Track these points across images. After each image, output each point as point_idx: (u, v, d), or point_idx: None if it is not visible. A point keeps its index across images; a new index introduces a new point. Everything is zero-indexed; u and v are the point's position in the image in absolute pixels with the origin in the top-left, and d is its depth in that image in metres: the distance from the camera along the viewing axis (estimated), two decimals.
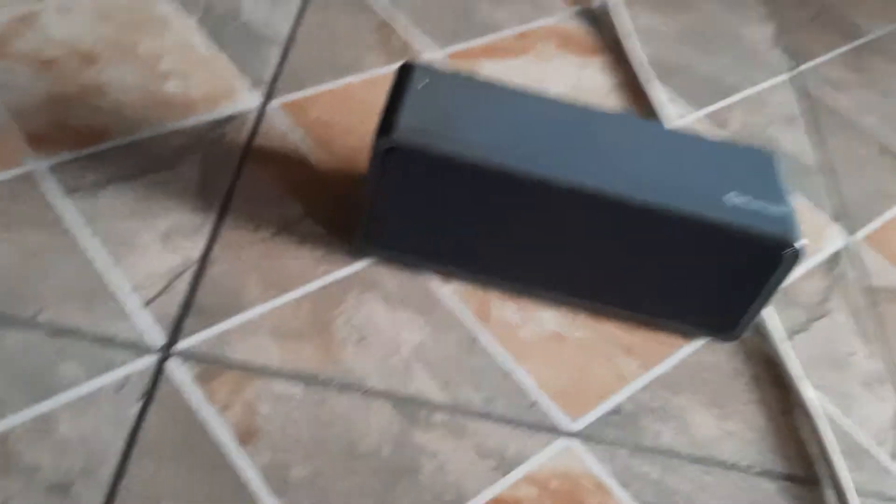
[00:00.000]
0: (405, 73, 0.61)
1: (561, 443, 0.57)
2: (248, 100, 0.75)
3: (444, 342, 0.60)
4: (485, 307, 0.64)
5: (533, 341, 0.62)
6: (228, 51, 0.79)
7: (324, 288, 0.62)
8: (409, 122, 0.57)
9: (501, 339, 0.62)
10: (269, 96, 0.75)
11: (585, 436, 0.57)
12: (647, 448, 0.58)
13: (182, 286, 0.59)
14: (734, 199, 0.58)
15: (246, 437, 0.52)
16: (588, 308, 0.65)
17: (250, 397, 0.54)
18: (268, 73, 0.78)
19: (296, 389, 0.55)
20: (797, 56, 1.03)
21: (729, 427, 0.60)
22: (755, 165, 0.62)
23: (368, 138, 0.72)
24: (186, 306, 0.58)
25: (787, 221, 0.57)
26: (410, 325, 0.61)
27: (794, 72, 1.00)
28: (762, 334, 0.67)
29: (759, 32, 1.05)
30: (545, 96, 0.64)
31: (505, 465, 0.55)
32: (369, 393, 0.56)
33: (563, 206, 0.58)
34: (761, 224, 0.57)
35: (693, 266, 0.59)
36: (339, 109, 0.76)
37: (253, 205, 0.66)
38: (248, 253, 0.63)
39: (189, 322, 0.57)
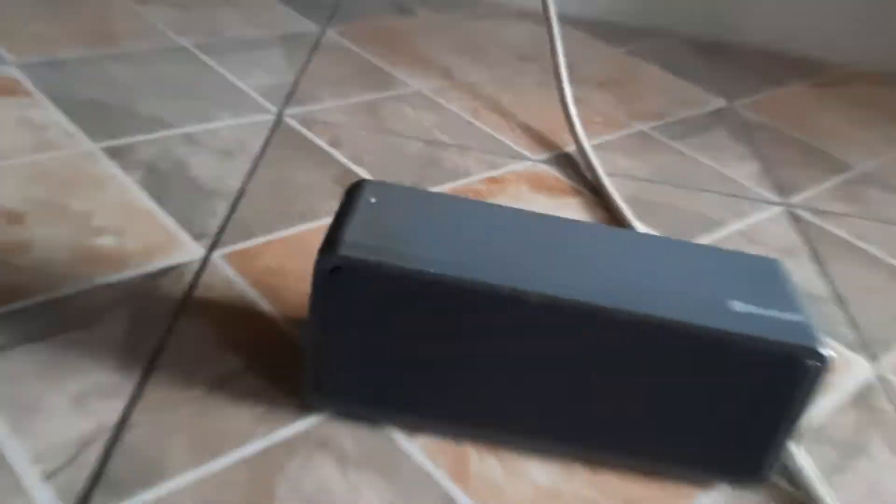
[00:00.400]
0: (354, 191, 0.54)
1: None
2: (188, 252, 0.67)
3: None
4: (461, 464, 0.53)
5: (521, 498, 0.51)
6: (170, 206, 0.73)
7: (265, 451, 0.51)
8: (355, 239, 0.49)
9: (484, 502, 0.51)
10: (212, 247, 0.68)
11: None
12: None
13: (92, 455, 0.49)
14: (742, 307, 0.50)
15: None
16: (582, 458, 0.55)
17: None
18: (213, 225, 0.71)
19: None
20: (786, 190, 0.98)
21: None
22: (759, 273, 0.54)
23: None
24: (95, 479, 0.47)
25: (807, 329, 0.49)
26: (371, 490, 0.50)
27: (786, 204, 0.95)
28: (793, 477, 0.56)
29: (742, 170, 1.00)
30: (511, 208, 0.56)
31: None
32: None
33: (542, 325, 0.49)
34: (779, 332, 0.48)
35: (703, 392, 0.50)
36: (290, 257, 0.69)
37: (186, 361, 0.57)
38: (175, 415, 0.53)
39: (98, 498, 0.46)
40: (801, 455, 0.58)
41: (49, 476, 0.47)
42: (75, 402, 0.52)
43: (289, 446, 0.52)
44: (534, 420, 0.53)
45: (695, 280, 0.53)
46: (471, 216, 0.55)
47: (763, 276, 0.54)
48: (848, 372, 0.69)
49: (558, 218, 0.56)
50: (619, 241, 0.55)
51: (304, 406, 0.55)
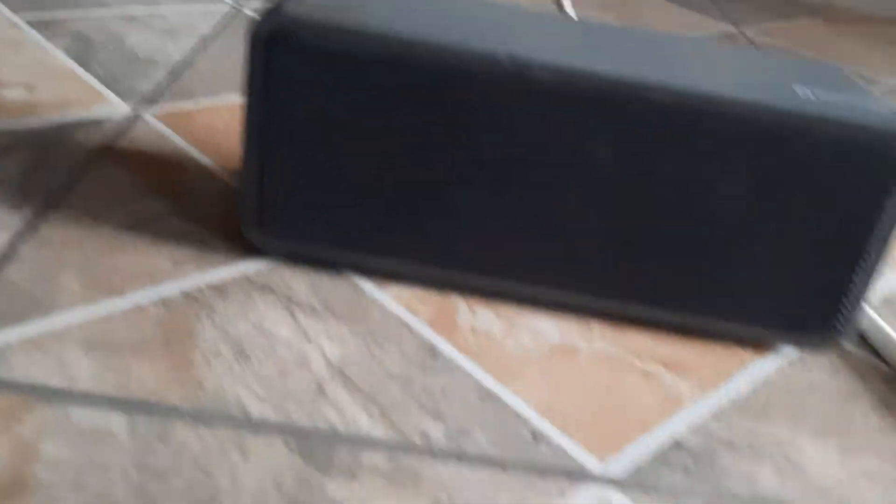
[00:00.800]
0: None
1: (590, 494, 0.33)
2: (113, 108, 0.55)
3: (381, 355, 0.37)
4: (446, 314, 0.41)
5: (525, 355, 0.39)
6: (97, 69, 0.61)
7: (187, 292, 0.39)
8: (301, 7, 0.38)
9: (476, 353, 0.39)
10: (143, 106, 0.56)
11: (628, 483, 0.34)
12: (737, 498, 0.34)
13: None
14: (815, 93, 0.38)
15: (10, 491, 0.29)
16: (601, 312, 0.43)
17: (28, 431, 0.31)
18: (146, 88, 0.59)
19: (115, 420, 0.32)
20: None
21: (863, 465, 0.37)
22: (827, 72, 0.43)
23: None
24: None
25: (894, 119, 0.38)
26: (328, 334, 0.38)
27: None
28: (871, 340, 0.45)
29: None
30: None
31: None
32: (248, 425, 0.33)
33: (553, 114, 0.37)
34: (864, 118, 0.36)
35: (762, 212, 0.38)
36: (233, 119, 0.58)
37: (96, 203, 0.44)
38: (75, 251, 0.40)
39: None
40: (875, 311, 0.47)
41: None
42: None
43: (220, 290, 0.40)
44: (540, 262, 0.41)
45: (753, 71, 0.41)
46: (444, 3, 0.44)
47: (831, 74, 0.43)
48: None
49: (557, 14, 0.45)
50: (663, 41, 0.44)
51: (245, 249, 0.43)
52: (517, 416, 0.35)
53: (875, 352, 0.45)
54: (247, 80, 0.38)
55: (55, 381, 0.33)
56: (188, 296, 0.39)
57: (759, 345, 0.43)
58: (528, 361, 0.38)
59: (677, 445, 0.35)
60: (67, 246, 0.41)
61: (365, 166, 0.39)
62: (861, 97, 0.39)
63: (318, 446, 0.32)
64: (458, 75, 0.36)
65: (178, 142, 0.52)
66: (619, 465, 0.34)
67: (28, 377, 0.33)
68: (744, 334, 0.42)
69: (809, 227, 0.38)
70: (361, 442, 0.33)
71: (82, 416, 0.31)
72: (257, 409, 0.33)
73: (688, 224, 0.39)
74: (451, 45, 0.36)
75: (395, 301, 0.41)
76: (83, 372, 0.33)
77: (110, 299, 0.38)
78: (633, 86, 0.36)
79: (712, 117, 0.36)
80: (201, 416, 0.32)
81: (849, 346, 0.45)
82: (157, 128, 0.53)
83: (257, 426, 0.32)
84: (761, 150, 0.37)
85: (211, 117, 0.56)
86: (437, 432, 0.34)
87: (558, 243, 0.40)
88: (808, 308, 0.41)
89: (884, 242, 0.39)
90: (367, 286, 0.42)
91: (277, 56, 0.37)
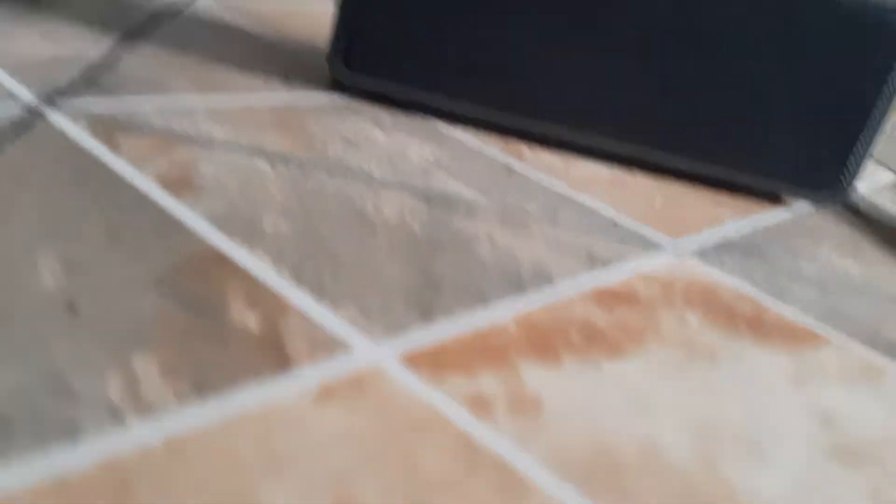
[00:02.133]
0: None
1: (668, 257, 0.37)
2: None
3: (466, 166, 0.41)
4: (513, 148, 0.45)
5: (587, 178, 0.44)
6: None
7: (288, 104, 0.43)
8: None
9: (546, 172, 0.43)
10: None
11: (701, 254, 0.39)
12: (790, 273, 0.40)
13: (75, 69, 0.39)
14: None
15: (178, 187, 0.31)
16: (644, 158, 0.47)
17: (184, 157, 0.33)
18: None
19: (258, 162, 0.35)
20: None
21: (878, 270, 0.43)
22: None
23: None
24: (86, 82, 0.38)
25: None
26: (418, 148, 0.42)
27: None
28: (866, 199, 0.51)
29: None
30: None
31: (599, 262, 0.35)
32: (374, 182, 0.36)
33: None
34: None
35: (783, 74, 0.45)
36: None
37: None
38: (175, 64, 0.44)
39: (86, 94, 0.37)
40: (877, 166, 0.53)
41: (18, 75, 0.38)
42: (45, 35, 0.43)
43: (315, 107, 0.43)
44: (592, 109, 0.46)
45: None
46: None
47: None
48: None
49: None
50: None
51: (334, 84, 0.47)
52: (594, 211, 0.40)
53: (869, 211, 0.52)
54: None
55: (194, 134, 0.36)
56: (290, 106, 0.42)
57: (776, 199, 0.49)
58: (591, 182, 0.43)
59: (730, 242, 0.41)
60: (168, 62, 0.44)
61: (446, 13, 0.44)
62: None
63: (436, 199, 0.36)
64: None
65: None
66: (687, 244, 0.39)
67: (167, 126, 0.36)
68: (764, 187, 0.48)
69: (825, 90, 0.45)
70: (473, 203, 0.37)
71: (228, 155, 0.34)
72: (378, 174, 0.37)
73: (723, 81, 0.45)
74: None
75: (466, 134, 0.45)
76: (217, 133, 0.36)
77: (218, 94, 0.41)
78: None
79: None
80: (334, 171, 0.36)
81: (853, 201, 0.52)
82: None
83: (382, 184, 0.36)
84: (789, 16, 0.43)
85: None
86: (532, 209, 0.38)
87: (610, 91, 0.45)
88: (820, 165, 0.47)
89: (886, 108, 0.46)
90: (440, 124, 0.46)
91: None
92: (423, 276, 0.29)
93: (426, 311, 0.27)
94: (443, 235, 0.33)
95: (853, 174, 0.47)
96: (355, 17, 0.44)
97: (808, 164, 0.47)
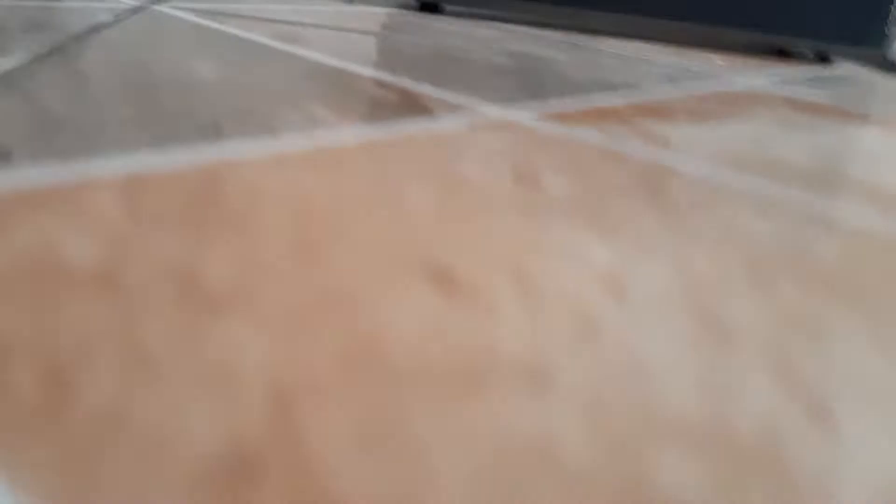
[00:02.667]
0: None
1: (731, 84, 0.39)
2: None
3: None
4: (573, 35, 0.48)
5: (660, 51, 0.46)
6: None
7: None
8: None
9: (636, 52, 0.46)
10: None
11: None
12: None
13: None
14: None
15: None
16: (705, 35, 0.49)
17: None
18: None
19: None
20: None
21: None
22: None
23: None
24: None
25: None
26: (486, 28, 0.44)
27: None
28: None
29: None
30: None
31: (691, 74, 0.36)
32: (470, 44, 0.38)
33: None
34: None
35: None
36: None
37: None
38: None
39: None
40: None
41: None
42: None
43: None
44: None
45: None
46: None
47: None
48: None
49: None
50: None
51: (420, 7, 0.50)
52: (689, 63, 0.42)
53: None
54: None
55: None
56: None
57: (825, 60, 0.51)
58: (660, 53, 0.46)
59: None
60: None
61: None
62: None
63: (518, 55, 0.38)
64: None
65: None
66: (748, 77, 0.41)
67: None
68: (813, 49, 0.50)
69: None
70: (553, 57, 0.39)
71: None
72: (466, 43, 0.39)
73: None
74: None
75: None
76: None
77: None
78: None
79: None
80: (438, 41, 0.38)
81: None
82: None
83: (471, 47, 0.38)
84: None
85: None
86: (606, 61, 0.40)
87: None
88: (862, 26, 0.49)
89: None
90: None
91: None
92: (526, 84, 0.32)
93: (537, 96, 0.30)
94: (532, 65, 0.35)
95: (891, 30, 0.49)
96: None
97: (851, 24, 0.49)
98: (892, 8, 0.48)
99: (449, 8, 0.47)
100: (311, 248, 0.14)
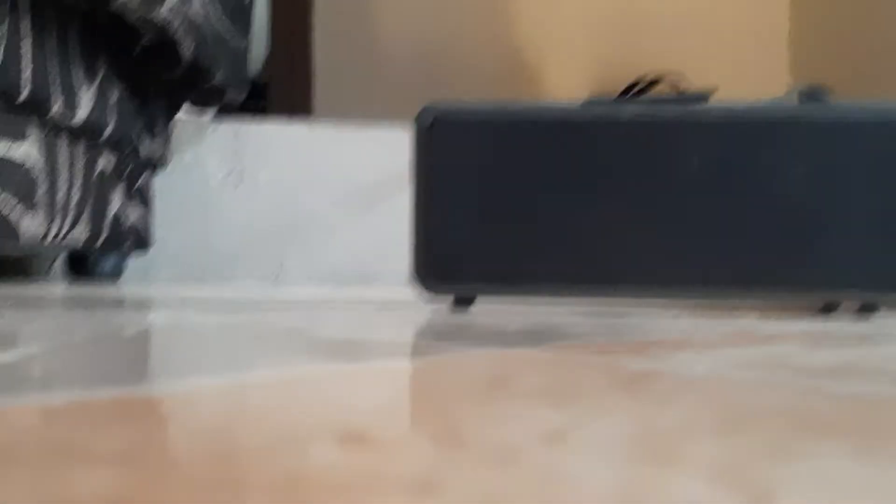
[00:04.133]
0: None
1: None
2: None
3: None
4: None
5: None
6: None
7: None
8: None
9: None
10: None
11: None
12: None
13: None
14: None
15: None
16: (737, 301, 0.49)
17: None
18: None
19: None
20: None
21: None
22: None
23: None
24: None
25: None
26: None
27: None
28: None
29: None
30: None
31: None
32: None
33: (679, 145, 0.47)
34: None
35: (836, 194, 0.48)
36: None
37: None
38: None
39: None
40: None
41: None
42: None
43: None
44: (671, 269, 0.49)
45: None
46: None
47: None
48: None
49: None
50: None
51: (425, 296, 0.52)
52: None
53: None
54: (414, 158, 0.51)
55: None
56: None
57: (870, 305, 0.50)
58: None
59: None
60: None
61: (510, 210, 0.50)
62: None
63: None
64: (580, 123, 0.50)
65: None
66: None
67: None
68: (854, 298, 0.49)
69: (882, 200, 0.49)
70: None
71: None
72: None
73: (782, 215, 0.49)
74: (566, 104, 0.50)
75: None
76: None
77: None
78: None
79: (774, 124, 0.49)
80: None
81: None
82: None
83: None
84: (814, 144, 0.49)
85: None
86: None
87: (687, 245, 0.49)
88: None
89: None
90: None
91: (436, 135, 0.50)
92: (530, 339, 0.32)
93: (538, 343, 0.30)
94: (545, 328, 0.36)
95: None
96: (429, 233, 0.51)
97: (891, 272, 0.49)
98: None
99: (481, 298, 0.49)
100: None
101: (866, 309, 0.50)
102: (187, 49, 0.66)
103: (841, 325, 0.39)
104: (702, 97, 0.50)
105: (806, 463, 0.12)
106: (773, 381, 0.20)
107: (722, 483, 0.11)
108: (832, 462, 0.12)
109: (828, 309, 0.51)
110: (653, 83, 0.58)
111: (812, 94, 0.50)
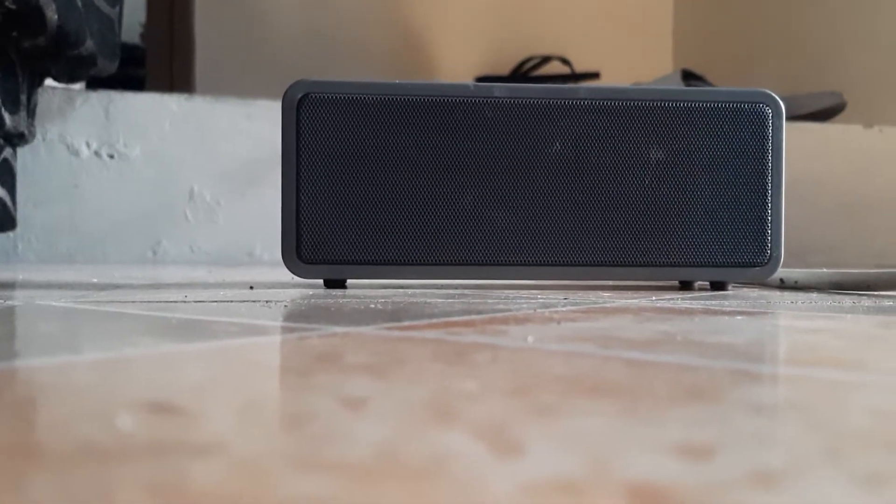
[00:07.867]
0: None
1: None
2: None
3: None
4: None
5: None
6: None
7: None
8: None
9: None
10: None
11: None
12: None
13: None
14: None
15: None
16: (601, 276, 0.52)
17: None
18: None
19: None
20: None
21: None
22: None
23: None
24: None
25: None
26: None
27: None
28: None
29: None
30: None
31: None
32: None
33: (535, 124, 0.50)
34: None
35: (686, 175, 0.52)
36: None
37: None
38: None
39: None
40: None
41: None
42: None
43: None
44: (535, 244, 0.52)
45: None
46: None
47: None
48: None
49: None
50: None
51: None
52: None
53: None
54: (283, 136, 0.51)
55: None
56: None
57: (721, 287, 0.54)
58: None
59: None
60: None
61: (380, 189, 0.51)
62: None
63: None
64: (446, 102, 0.51)
65: None
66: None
67: None
68: (705, 277, 0.53)
69: (723, 182, 0.52)
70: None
71: None
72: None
73: (628, 192, 0.52)
74: (433, 84, 0.52)
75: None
76: None
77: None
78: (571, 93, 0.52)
79: (633, 107, 0.52)
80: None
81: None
82: None
83: None
84: (668, 125, 0.52)
85: None
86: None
87: (551, 226, 0.52)
88: (747, 247, 0.53)
89: (779, 182, 0.53)
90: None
91: (305, 112, 0.51)
92: (387, 316, 0.33)
93: (392, 319, 0.31)
94: (407, 306, 0.37)
95: (776, 245, 0.53)
96: (298, 213, 0.51)
97: (739, 250, 0.53)
98: (772, 233, 0.52)
99: (351, 282, 0.50)
100: None
101: (716, 286, 0.54)
102: (52, 14, 0.64)
103: (687, 301, 0.42)
104: (591, 75, 0.52)
105: (570, 420, 0.14)
106: (583, 351, 0.22)
107: (484, 439, 0.12)
108: (594, 420, 0.14)
109: (684, 286, 0.54)
110: (543, 62, 0.59)
111: (695, 75, 0.53)
